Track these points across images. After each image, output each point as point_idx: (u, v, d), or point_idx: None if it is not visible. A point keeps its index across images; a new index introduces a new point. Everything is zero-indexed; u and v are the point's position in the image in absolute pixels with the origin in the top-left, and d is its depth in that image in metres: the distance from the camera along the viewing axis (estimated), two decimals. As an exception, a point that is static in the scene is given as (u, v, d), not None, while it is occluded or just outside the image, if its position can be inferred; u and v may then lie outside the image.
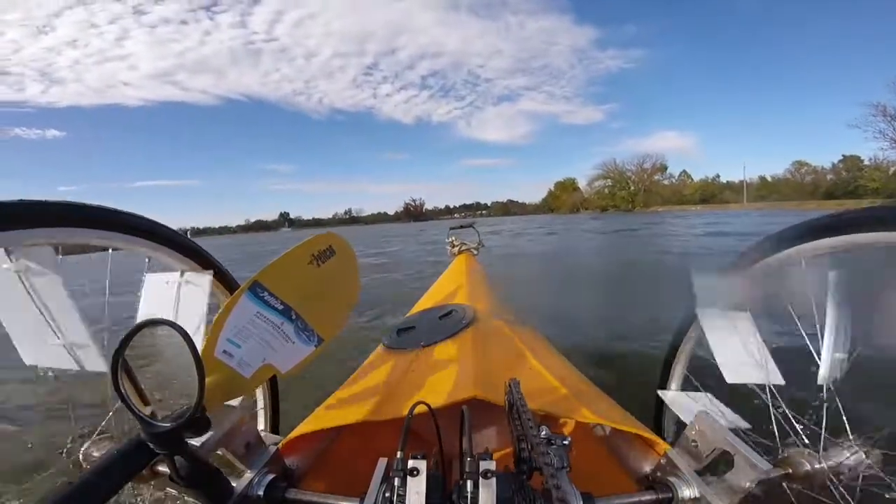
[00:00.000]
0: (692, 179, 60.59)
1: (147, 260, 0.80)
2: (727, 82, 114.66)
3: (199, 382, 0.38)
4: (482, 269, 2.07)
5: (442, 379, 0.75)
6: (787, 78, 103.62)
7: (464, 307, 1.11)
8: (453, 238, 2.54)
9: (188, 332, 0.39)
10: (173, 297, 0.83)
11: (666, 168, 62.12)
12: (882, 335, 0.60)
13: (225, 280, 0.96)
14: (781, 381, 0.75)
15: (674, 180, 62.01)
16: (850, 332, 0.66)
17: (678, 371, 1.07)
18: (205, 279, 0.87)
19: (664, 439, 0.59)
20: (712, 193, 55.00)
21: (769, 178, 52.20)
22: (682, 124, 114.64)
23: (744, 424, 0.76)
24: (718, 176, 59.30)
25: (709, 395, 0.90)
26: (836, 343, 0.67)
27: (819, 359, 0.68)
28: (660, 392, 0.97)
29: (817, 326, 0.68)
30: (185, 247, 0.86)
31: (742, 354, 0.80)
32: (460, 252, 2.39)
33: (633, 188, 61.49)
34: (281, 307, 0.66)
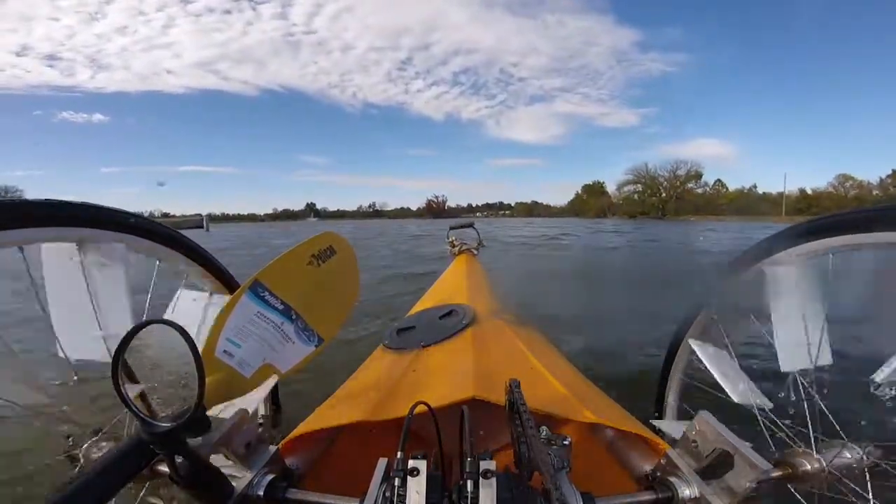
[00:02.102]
0: (727, 189, 57.53)
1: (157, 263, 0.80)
2: (773, 90, 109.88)
3: (199, 382, 0.38)
4: (482, 269, 2.07)
5: (442, 379, 0.75)
6: (838, 87, 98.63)
7: (464, 307, 1.11)
8: (453, 238, 2.54)
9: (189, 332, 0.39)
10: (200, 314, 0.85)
11: (701, 175, 58.80)
12: (878, 334, 0.60)
13: (225, 279, 0.96)
14: (769, 405, 0.75)
15: (707, 189, 58.81)
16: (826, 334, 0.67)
17: (672, 398, 1.07)
18: (204, 279, 0.87)
19: (664, 439, 0.59)
20: (748, 204, 51.91)
21: (810, 191, 49.64)
22: (722, 132, 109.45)
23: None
24: (755, 186, 56.54)
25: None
26: (818, 344, 0.67)
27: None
28: (653, 422, 0.97)
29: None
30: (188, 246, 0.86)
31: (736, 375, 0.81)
32: (460, 252, 2.39)
33: (664, 195, 58.77)
34: (281, 307, 0.66)
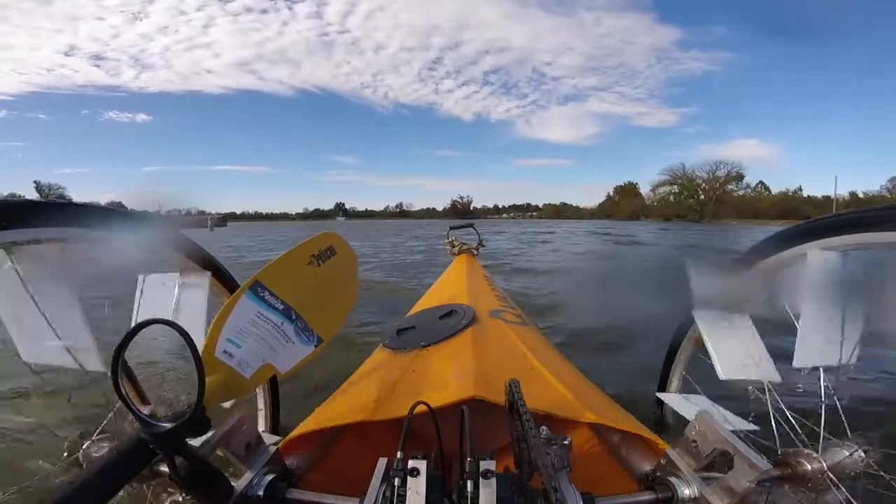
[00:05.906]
0: (769, 192, 55.01)
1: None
2: (824, 89, 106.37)
3: (199, 382, 0.38)
4: (482, 269, 2.08)
5: (442, 379, 0.75)
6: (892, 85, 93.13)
7: (464, 307, 1.11)
8: (453, 238, 2.54)
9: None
10: (173, 298, 0.83)
11: (743, 177, 56.17)
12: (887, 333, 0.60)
13: (225, 279, 0.96)
14: (778, 378, 0.75)
15: (749, 191, 56.21)
16: (855, 332, 0.66)
17: (677, 373, 1.07)
18: (204, 279, 0.87)
19: (664, 439, 0.59)
20: (792, 208, 49.09)
21: (861, 195, 47.58)
22: (766, 132, 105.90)
23: (745, 426, 0.76)
24: (800, 189, 54.13)
25: (705, 398, 0.89)
26: (836, 342, 0.67)
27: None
28: (658, 394, 0.98)
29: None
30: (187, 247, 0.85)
31: (739, 353, 0.80)
32: (460, 252, 2.39)
33: (702, 196, 56.09)
34: (281, 307, 0.66)
